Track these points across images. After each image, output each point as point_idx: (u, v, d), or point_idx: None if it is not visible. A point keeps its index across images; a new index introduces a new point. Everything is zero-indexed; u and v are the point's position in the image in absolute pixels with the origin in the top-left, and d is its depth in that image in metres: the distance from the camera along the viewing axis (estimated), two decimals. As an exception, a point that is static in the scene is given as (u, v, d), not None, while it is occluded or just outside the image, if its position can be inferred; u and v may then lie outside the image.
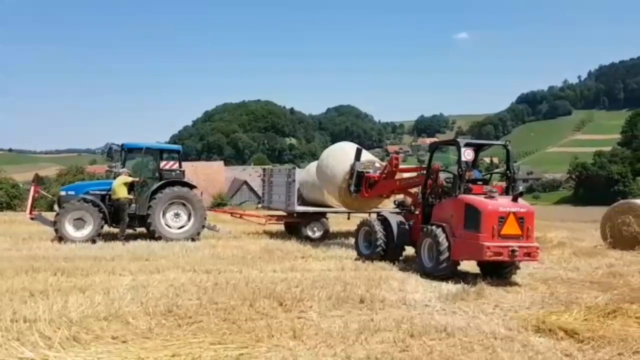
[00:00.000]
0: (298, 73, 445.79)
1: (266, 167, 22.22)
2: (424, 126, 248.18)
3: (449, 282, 9.33)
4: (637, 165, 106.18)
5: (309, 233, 15.61)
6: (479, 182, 10.40)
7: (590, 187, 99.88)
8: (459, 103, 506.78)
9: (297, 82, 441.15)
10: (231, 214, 19.05)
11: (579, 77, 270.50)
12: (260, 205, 21.30)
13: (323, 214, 16.02)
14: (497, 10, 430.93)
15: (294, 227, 16.44)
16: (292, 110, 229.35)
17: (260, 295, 7.50)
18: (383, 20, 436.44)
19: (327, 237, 15.73)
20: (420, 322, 6.50)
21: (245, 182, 74.42)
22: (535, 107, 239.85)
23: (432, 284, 9.14)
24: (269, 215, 17.08)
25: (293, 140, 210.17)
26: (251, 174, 74.44)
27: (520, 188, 11.04)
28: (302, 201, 16.10)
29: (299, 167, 16.86)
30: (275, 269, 10.18)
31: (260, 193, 21.31)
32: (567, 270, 11.25)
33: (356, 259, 11.65)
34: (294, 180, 15.64)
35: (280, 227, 17.68)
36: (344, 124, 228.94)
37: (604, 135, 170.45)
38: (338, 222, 18.05)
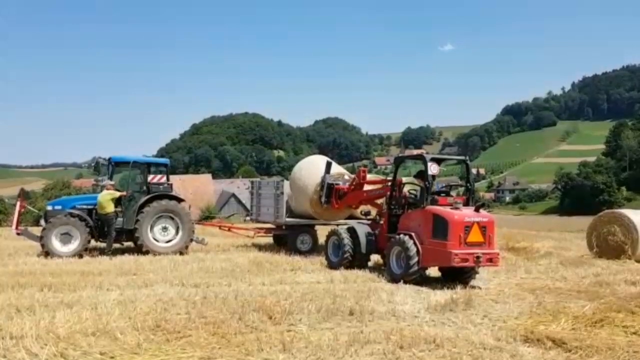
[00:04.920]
0: (286, 85, 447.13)
1: (254, 179, 22.17)
2: (411, 138, 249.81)
3: (438, 292, 9.37)
4: (622, 175, 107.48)
5: (298, 245, 15.59)
6: (442, 194, 11.02)
7: (576, 197, 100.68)
8: (445, 114, 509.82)
9: (284, 94, 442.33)
10: (219, 227, 18.98)
11: (563, 88, 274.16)
12: (248, 218, 21.24)
13: (312, 226, 16.01)
14: (482, 22, 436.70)
15: (283, 240, 16.41)
16: (279, 123, 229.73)
17: (249, 309, 7.47)
18: (369, 33, 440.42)
19: (316, 249, 15.71)
20: (410, 333, 6.51)
21: (234, 195, 74.08)
22: (521, 118, 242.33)
23: (421, 295, 9.16)
24: (257, 228, 17.05)
25: (281, 153, 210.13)
26: (239, 186, 74.06)
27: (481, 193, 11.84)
28: (291, 213, 16.09)
29: (287, 179, 16.85)
30: (265, 282, 10.15)
31: (248, 206, 21.25)
32: (554, 279, 11.32)
33: (344, 270, 11.64)
34: (282, 193, 15.65)
35: (269, 239, 17.64)
36: (332, 136, 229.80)
37: (589, 145, 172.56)
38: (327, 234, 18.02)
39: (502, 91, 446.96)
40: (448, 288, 9.75)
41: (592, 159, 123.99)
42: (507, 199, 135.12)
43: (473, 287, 10.17)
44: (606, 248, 15.06)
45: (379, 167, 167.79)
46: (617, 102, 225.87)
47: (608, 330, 6.87)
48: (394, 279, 10.51)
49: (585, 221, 19.30)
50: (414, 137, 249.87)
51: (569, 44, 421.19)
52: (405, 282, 10.17)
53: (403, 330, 6.70)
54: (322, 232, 16.70)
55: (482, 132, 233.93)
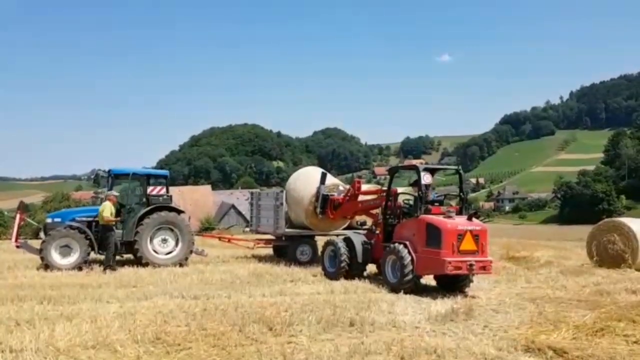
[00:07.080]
0: (285, 97, 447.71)
1: (254, 190, 22.19)
2: (410, 148, 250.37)
3: (438, 303, 9.36)
4: (621, 184, 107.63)
5: (298, 256, 15.58)
6: (435, 203, 11.14)
7: (575, 206, 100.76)
8: (444, 124, 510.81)
9: (283, 105, 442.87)
10: (219, 238, 18.96)
11: (561, 97, 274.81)
12: (248, 229, 21.23)
13: (312, 237, 16.01)
14: (479, 32, 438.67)
15: (283, 251, 16.39)
16: (279, 134, 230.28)
17: (249, 320, 7.46)
18: (368, 44, 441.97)
19: (316, 260, 15.68)
20: (411, 344, 6.50)
21: (233, 206, 74.07)
22: (519, 127, 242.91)
23: (422, 305, 9.15)
24: (257, 239, 17.03)
25: (280, 164, 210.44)
26: (239, 197, 74.07)
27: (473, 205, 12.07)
28: (290, 224, 16.10)
29: (286, 190, 16.85)
30: (265, 293, 10.13)
31: (248, 217, 21.24)
32: (554, 289, 11.31)
33: (344, 281, 11.62)
34: (281, 204, 15.66)
35: (269, 250, 17.62)
36: (331, 146, 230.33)
37: (587, 154, 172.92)
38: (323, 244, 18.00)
39: (500, 101, 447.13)
40: (448, 298, 9.75)
41: (591, 167, 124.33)
42: (507, 208, 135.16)
43: (473, 297, 10.17)
44: (606, 257, 15.05)
45: (378, 178, 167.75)
46: (615, 111, 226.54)
47: (609, 339, 6.86)
48: (392, 289, 10.58)
49: (585, 230, 19.29)
50: (413, 147, 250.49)
51: (566, 53, 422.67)
52: (406, 292, 10.19)
53: (404, 340, 6.69)
54: (322, 243, 16.70)
55: (481, 142, 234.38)
